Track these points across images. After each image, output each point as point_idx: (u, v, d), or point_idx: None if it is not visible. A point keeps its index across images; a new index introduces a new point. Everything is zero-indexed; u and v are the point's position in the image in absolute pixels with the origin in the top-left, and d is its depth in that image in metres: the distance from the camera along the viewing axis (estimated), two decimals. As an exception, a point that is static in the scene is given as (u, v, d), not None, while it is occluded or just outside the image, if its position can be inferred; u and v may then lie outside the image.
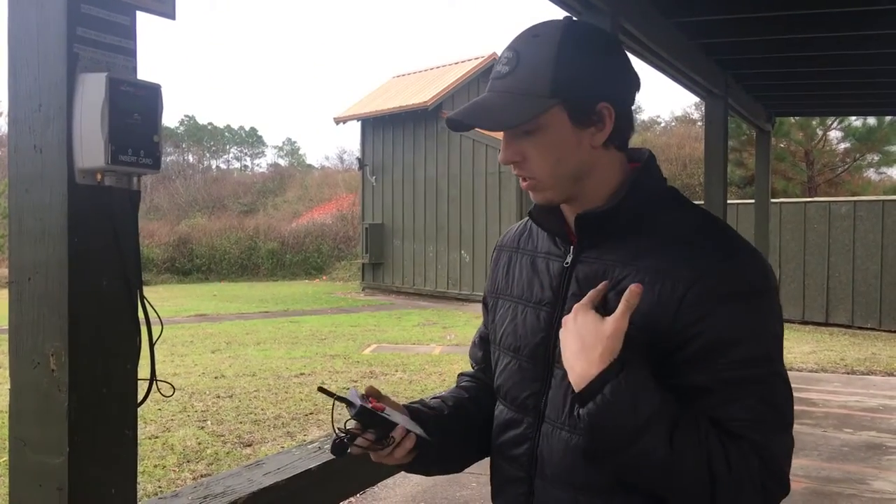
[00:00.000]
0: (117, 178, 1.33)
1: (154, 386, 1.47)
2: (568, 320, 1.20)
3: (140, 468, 5.54)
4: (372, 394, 1.34)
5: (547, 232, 1.38)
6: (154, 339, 1.42)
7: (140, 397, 1.43)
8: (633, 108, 1.33)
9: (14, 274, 1.34)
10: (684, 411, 1.13)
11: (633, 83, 1.30)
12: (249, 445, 6.12)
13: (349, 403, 1.31)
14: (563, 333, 1.21)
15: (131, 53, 1.38)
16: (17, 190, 1.34)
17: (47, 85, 1.30)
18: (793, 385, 1.20)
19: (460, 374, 1.61)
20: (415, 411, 1.41)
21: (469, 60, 19.48)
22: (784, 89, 7.22)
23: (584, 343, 1.15)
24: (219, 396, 7.74)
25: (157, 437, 6.29)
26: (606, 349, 1.13)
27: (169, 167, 43.32)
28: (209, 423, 6.78)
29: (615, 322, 1.13)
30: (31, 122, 1.31)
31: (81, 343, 1.30)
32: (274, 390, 8.00)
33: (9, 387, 1.36)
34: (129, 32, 1.38)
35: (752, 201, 9.79)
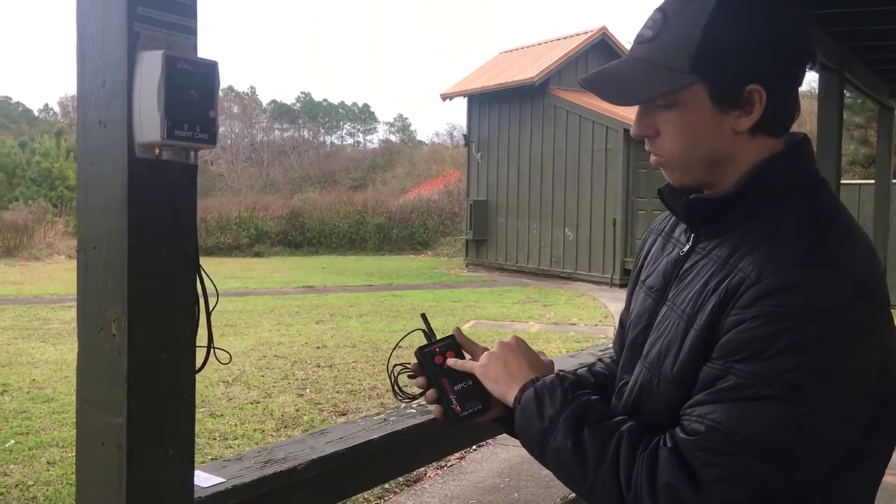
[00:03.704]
0: (175, 153, 1.37)
1: (212, 355, 1.52)
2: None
3: (241, 431, 5.80)
4: (453, 346, 1.37)
5: (673, 214, 1.29)
6: (210, 309, 1.47)
7: (199, 364, 1.49)
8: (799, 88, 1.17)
9: (82, 243, 1.42)
10: (608, 416, 1.15)
11: (802, 58, 1.15)
12: (344, 414, 6.29)
13: (427, 338, 1.39)
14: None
15: (192, 31, 1.42)
16: (85, 163, 1.41)
17: (110, 62, 1.35)
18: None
19: (599, 360, 1.55)
20: None
21: (577, 35, 19.12)
22: (910, 62, 6.76)
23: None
24: (319, 366, 7.98)
25: (258, 403, 6.56)
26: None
27: (286, 142, 44.70)
28: (308, 391, 7.01)
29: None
30: (97, 98, 1.38)
31: (140, 310, 1.36)
32: (372, 362, 8.18)
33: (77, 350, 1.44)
34: (190, 11, 1.42)
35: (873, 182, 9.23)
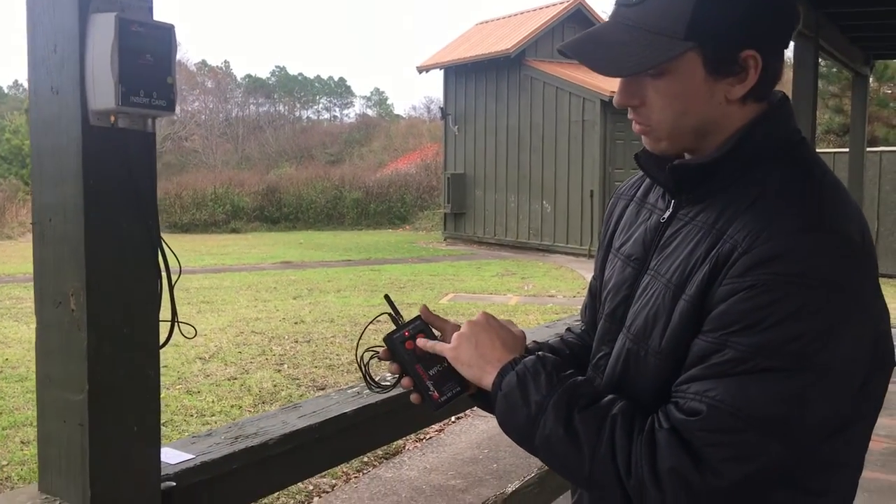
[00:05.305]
0: (131, 120, 1.33)
1: (177, 329, 1.48)
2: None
3: (218, 408, 5.76)
4: (422, 327, 1.30)
5: (653, 181, 1.24)
6: (173, 282, 1.43)
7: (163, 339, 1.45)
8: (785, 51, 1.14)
9: (37, 215, 1.37)
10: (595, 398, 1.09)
11: (792, 22, 1.10)
12: (322, 389, 6.27)
13: (395, 322, 1.31)
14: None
15: (147, -7, 1.37)
16: (38, 133, 1.36)
17: (61, 26, 1.30)
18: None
19: (567, 329, 1.50)
20: None
21: (553, 5, 19.00)
22: (884, 29, 6.77)
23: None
24: (297, 341, 7.95)
25: (235, 379, 6.51)
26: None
27: (261, 117, 44.27)
28: (286, 366, 6.97)
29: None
30: (49, 64, 1.32)
31: (99, 284, 1.32)
32: (350, 336, 8.15)
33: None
34: (145, -28, 1.36)
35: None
